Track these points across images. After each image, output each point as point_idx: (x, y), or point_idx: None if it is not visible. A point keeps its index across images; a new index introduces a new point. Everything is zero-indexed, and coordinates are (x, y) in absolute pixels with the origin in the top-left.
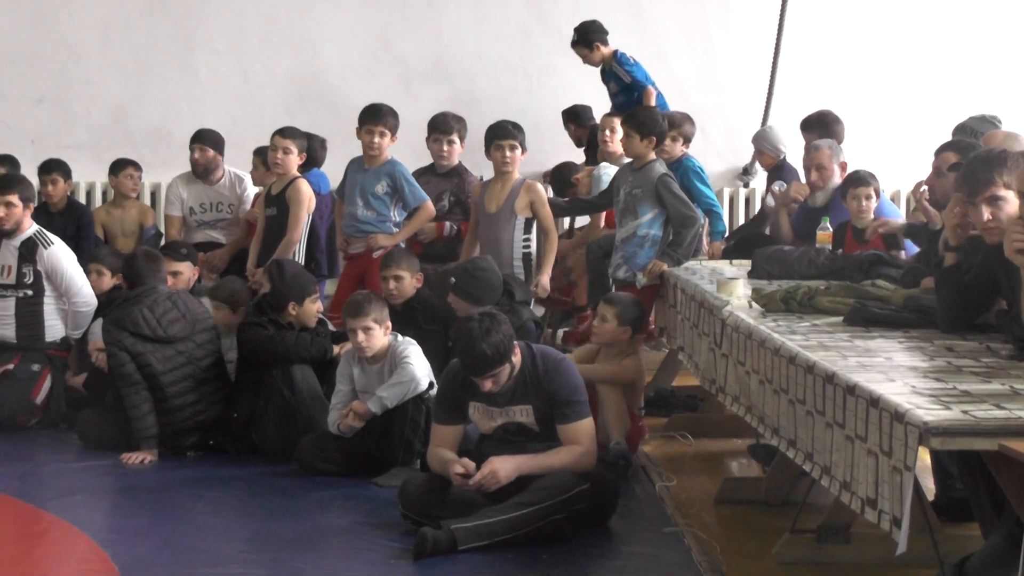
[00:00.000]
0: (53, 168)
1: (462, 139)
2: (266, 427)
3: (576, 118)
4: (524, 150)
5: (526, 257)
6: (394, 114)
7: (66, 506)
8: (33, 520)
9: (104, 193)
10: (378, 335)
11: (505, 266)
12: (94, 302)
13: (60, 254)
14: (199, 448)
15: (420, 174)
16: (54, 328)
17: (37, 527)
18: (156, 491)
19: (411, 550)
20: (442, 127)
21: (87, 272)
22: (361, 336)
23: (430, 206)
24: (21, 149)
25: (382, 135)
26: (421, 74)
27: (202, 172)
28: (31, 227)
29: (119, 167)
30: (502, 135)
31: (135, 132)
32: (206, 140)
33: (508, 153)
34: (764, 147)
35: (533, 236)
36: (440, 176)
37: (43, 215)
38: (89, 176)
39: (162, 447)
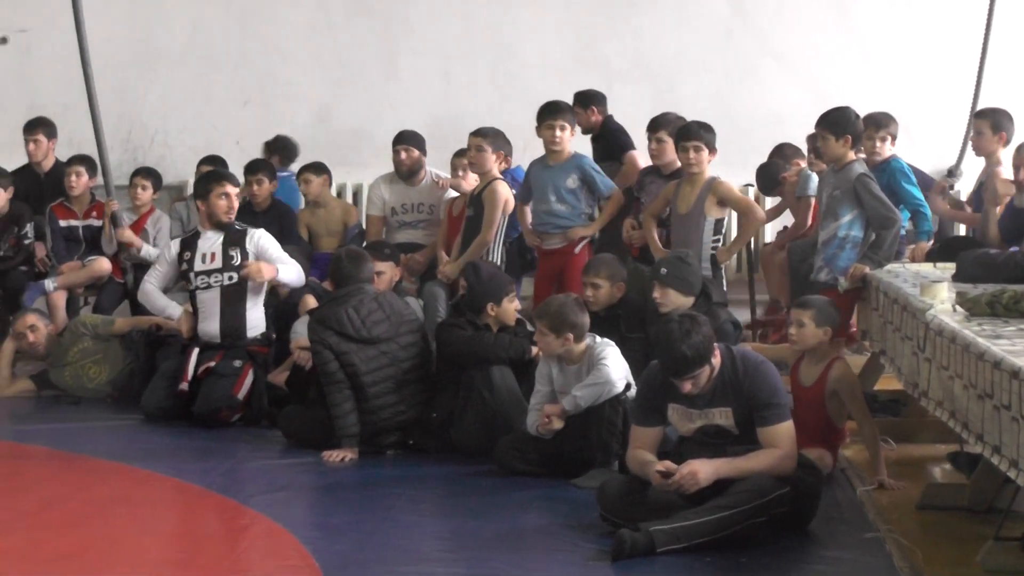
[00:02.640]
0: (259, 168)
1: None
2: (465, 427)
3: (589, 101)
4: (713, 151)
5: (714, 259)
6: (571, 109)
7: (269, 502)
8: (236, 516)
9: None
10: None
11: (694, 268)
12: (302, 278)
13: (268, 237)
14: (399, 447)
15: (645, 173)
16: (256, 323)
17: (240, 523)
18: (357, 489)
19: (609, 552)
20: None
21: None
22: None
23: (619, 193)
24: (227, 150)
25: (563, 129)
26: (622, 74)
27: (406, 173)
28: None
29: (298, 174)
30: (688, 136)
31: (338, 132)
32: (411, 141)
33: (694, 154)
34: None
35: (722, 238)
36: (664, 178)
37: (247, 215)
38: None
39: (363, 445)
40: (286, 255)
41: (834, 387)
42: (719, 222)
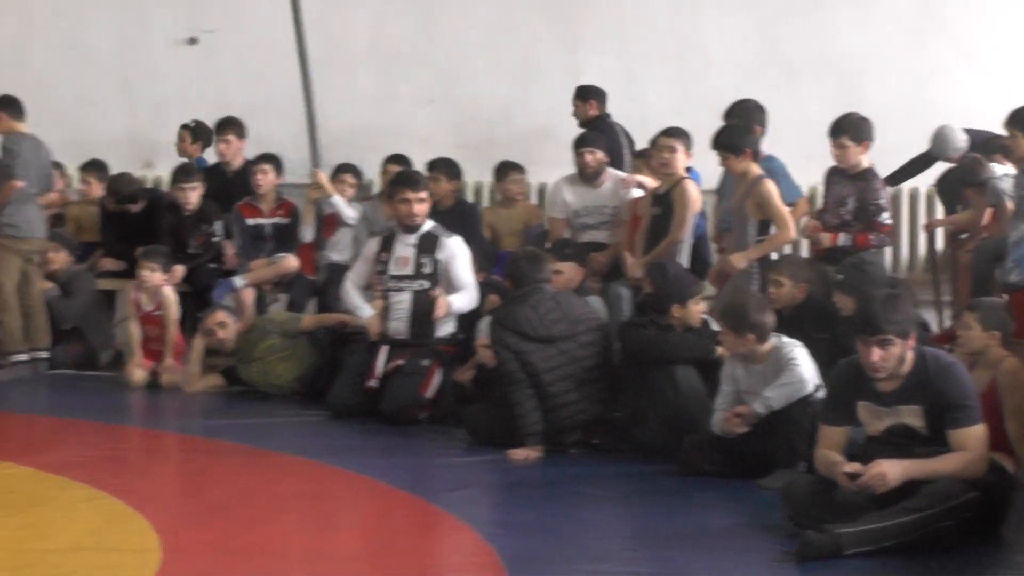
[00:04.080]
0: (438, 167)
1: (857, 140)
2: (649, 426)
3: (589, 95)
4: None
5: (761, 260)
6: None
7: (453, 500)
8: (421, 513)
9: (492, 193)
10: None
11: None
12: (476, 302)
13: (460, 246)
14: (582, 445)
15: (831, 173)
16: (444, 323)
17: (425, 520)
18: (541, 487)
19: (794, 553)
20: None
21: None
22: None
23: (803, 202)
24: (412, 148)
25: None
26: (806, 73)
27: (590, 175)
28: (429, 223)
29: (503, 172)
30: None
31: (520, 132)
32: (596, 143)
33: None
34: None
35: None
36: (850, 178)
37: (431, 214)
38: (477, 175)
39: (546, 444)
40: (470, 273)
41: (1000, 381)
42: (764, 223)
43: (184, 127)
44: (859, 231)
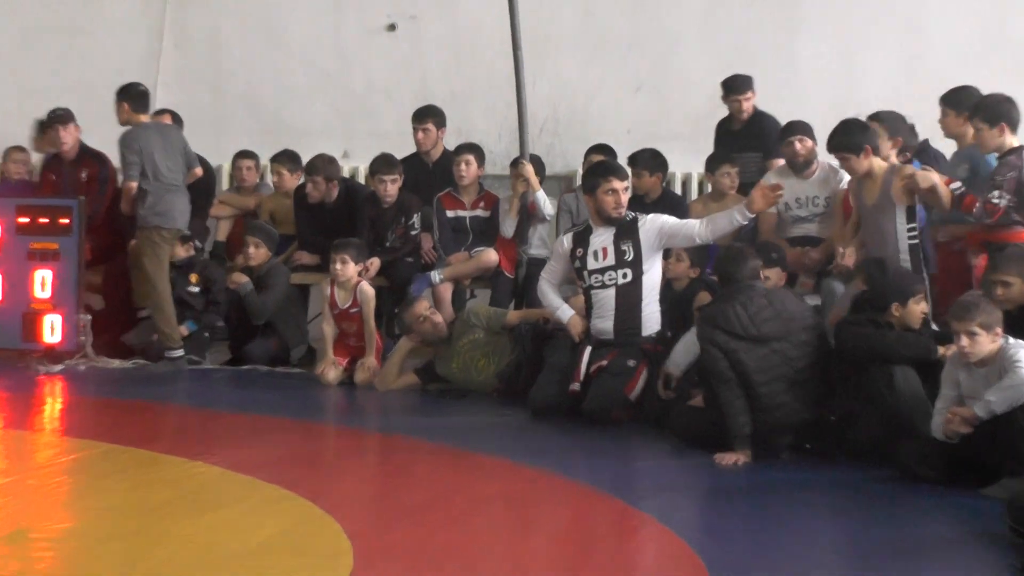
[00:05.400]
0: (641, 161)
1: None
2: (864, 430)
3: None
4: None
5: (913, 249)
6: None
7: (658, 504)
8: (624, 517)
9: (700, 184)
10: (984, 341)
11: (892, 260)
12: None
13: (662, 217)
14: (793, 449)
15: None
16: (651, 321)
17: (628, 524)
18: (749, 492)
19: (1018, 568)
20: None
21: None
22: (965, 341)
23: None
24: (617, 138)
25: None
26: None
27: (801, 165)
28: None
29: (714, 164)
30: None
31: None
32: (806, 131)
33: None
34: None
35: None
36: None
37: (638, 206)
38: (685, 167)
39: (756, 447)
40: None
41: None
42: (911, 210)
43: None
44: None
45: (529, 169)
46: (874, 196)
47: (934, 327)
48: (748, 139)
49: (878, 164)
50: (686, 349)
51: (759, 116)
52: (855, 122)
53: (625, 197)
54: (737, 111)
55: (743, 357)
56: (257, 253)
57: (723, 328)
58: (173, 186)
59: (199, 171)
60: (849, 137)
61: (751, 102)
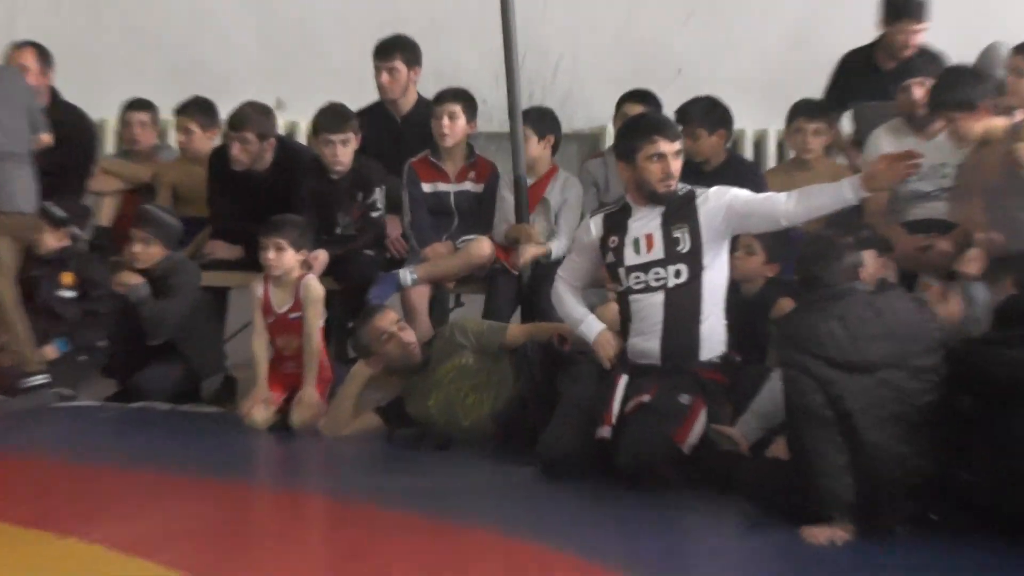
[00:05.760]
0: (693, 114)
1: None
2: (1015, 495)
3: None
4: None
5: None
6: None
7: None
8: None
9: (780, 147)
10: None
11: None
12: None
13: (730, 191)
14: (915, 522)
15: None
16: (713, 339)
17: None
18: None
19: None
20: None
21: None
22: None
23: None
24: (662, 82)
25: None
26: None
27: (922, 120)
28: (681, 186)
29: (796, 118)
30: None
31: (814, 61)
32: (926, 72)
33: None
34: None
35: None
36: None
37: (693, 176)
38: (758, 122)
39: (860, 518)
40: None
41: None
42: None
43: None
44: None
45: (528, 230)
46: (994, 170)
47: None
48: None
49: (996, 125)
50: (772, 401)
51: (926, 55)
52: (963, 70)
53: (677, 164)
54: (902, 44)
55: (841, 391)
56: (146, 252)
57: (815, 352)
58: (9, 154)
59: (46, 138)
60: (957, 89)
61: (922, 35)
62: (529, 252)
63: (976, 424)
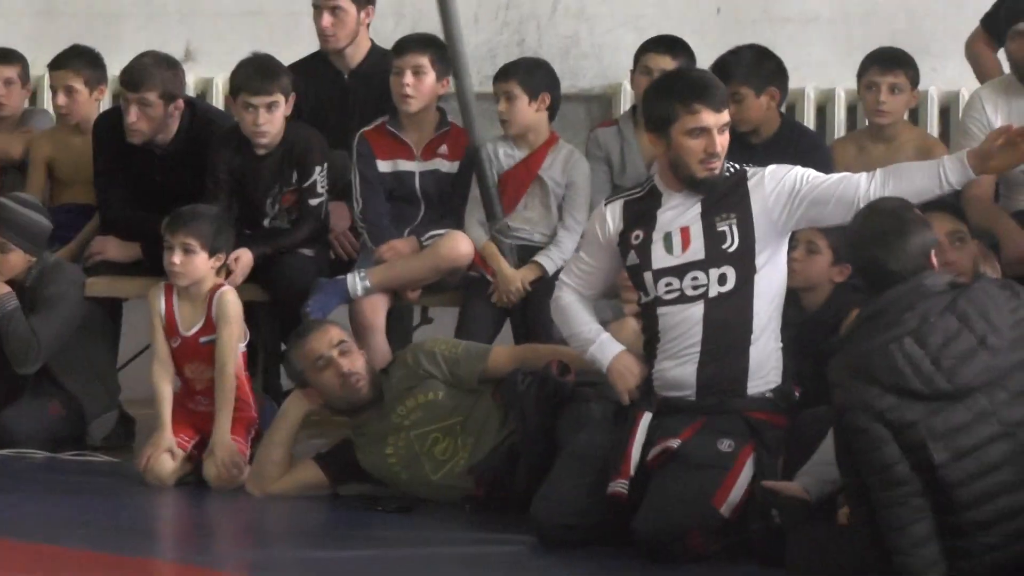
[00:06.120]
0: (738, 69)
1: None
2: None
3: None
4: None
5: None
6: None
7: None
8: None
9: (852, 111)
10: None
11: None
12: None
13: (790, 171)
14: None
15: None
16: (767, 364)
17: None
18: None
19: None
20: None
21: None
22: None
23: None
24: (697, 24)
25: None
26: None
27: None
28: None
29: (871, 70)
30: None
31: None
32: None
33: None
34: None
35: None
36: None
37: (740, 149)
38: (824, 79)
39: None
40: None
41: None
42: None
43: None
44: None
45: (492, 250)
46: None
47: None
48: None
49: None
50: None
51: None
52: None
53: (724, 140)
54: None
55: (923, 431)
56: (6, 261)
57: (884, 382)
58: None
59: None
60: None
61: None
62: (509, 281)
63: None
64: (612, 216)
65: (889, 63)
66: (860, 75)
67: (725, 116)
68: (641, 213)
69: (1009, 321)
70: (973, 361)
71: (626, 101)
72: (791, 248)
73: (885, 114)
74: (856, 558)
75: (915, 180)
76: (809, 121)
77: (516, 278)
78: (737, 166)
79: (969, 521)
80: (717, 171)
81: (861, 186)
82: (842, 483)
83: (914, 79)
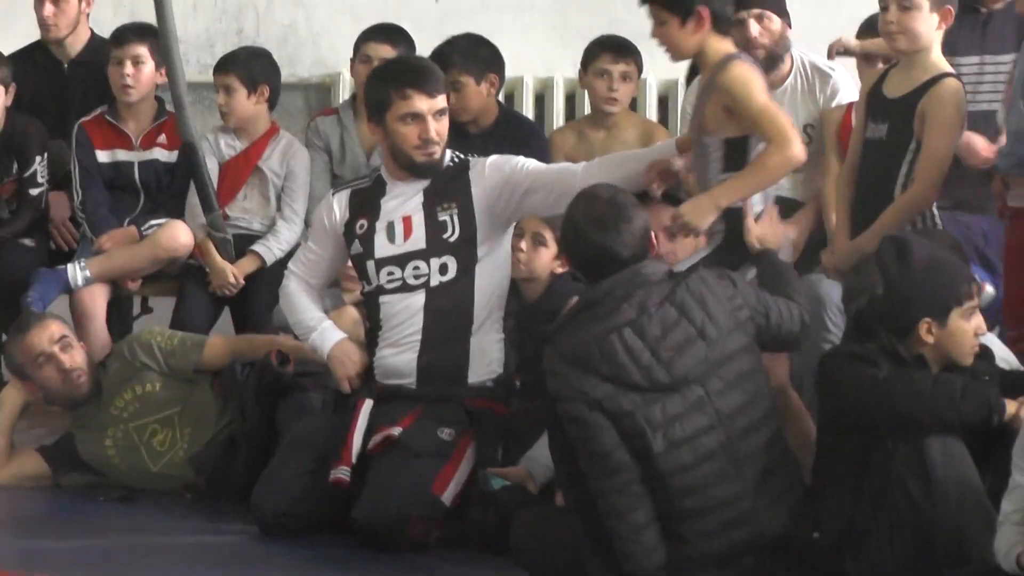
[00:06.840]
0: (457, 56)
1: None
2: (874, 552)
3: None
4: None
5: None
6: None
7: None
8: None
9: (572, 94)
10: None
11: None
12: None
13: (509, 161)
14: None
15: None
16: (487, 352)
17: None
18: None
19: None
20: None
21: None
22: None
23: None
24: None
25: None
26: None
27: (770, 59)
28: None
29: (596, 56)
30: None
31: None
32: (770, 3)
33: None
34: None
35: None
36: None
37: (459, 139)
38: (545, 66)
39: None
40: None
41: None
42: (734, 144)
43: None
44: None
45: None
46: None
47: (1002, 362)
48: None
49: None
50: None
51: None
52: None
53: (441, 126)
54: None
55: (640, 421)
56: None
57: (600, 373)
58: None
59: None
60: None
61: None
62: (220, 274)
63: (826, 463)
64: (339, 205)
65: (621, 51)
66: (587, 62)
67: (440, 102)
68: (366, 202)
69: (727, 309)
70: (691, 352)
71: (345, 90)
72: (516, 238)
73: (617, 102)
74: (575, 544)
75: (629, 168)
76: (528, 110)
77: (228, 271)
78: (461, 156)
79: (684, 509)
80: (436, 156)
81: (576, 176)
82: (554, 470)
83: (640, 67)
